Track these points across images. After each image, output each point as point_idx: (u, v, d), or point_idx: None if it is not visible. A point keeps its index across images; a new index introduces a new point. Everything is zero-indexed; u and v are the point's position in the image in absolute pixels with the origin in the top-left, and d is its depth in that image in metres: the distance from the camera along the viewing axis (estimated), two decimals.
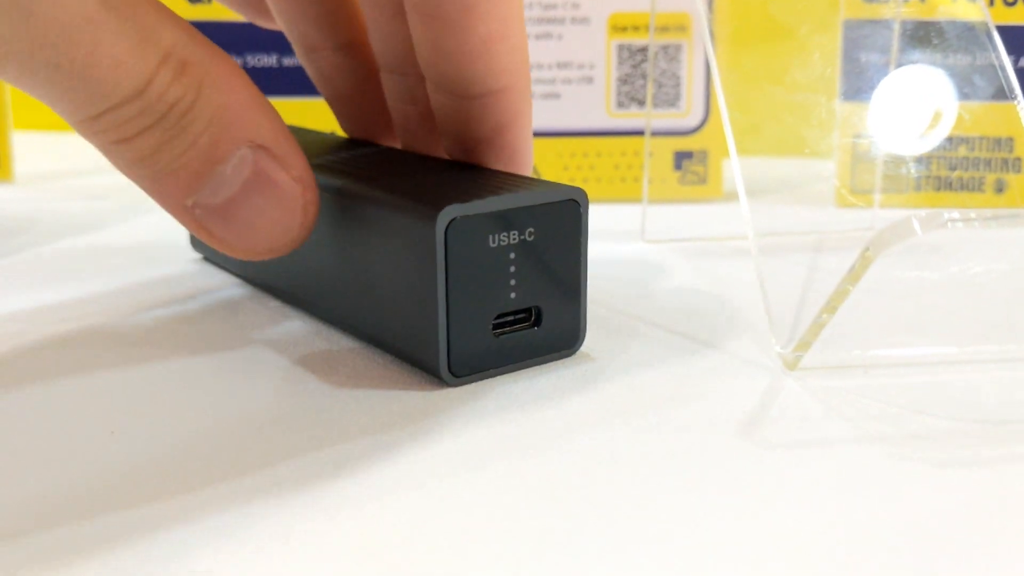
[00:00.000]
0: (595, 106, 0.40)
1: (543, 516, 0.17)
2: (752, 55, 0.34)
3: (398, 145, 0.28)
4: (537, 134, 0.40)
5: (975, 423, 0.20)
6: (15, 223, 0.37)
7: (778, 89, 0.33)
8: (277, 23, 0.29)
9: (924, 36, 0.32)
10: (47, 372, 0.22)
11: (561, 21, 0.39)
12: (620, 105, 0.40)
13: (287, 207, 0.21)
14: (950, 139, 0.34)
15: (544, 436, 0.19)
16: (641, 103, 0.40)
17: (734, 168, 0.27)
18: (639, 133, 0.40)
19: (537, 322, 0.22)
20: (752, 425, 0.20)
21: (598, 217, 0.32)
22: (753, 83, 0.33)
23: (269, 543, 0.16)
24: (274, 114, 0.21)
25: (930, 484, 0.18)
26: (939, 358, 0.23)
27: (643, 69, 0.39)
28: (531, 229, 0.21)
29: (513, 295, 0.22)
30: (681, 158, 0.40)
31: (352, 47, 0.28)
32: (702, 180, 0.40)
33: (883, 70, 0.33)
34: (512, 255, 0.21)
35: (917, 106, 0.33)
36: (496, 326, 0.22)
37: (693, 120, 0.40)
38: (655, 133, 0.39)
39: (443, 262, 0.20)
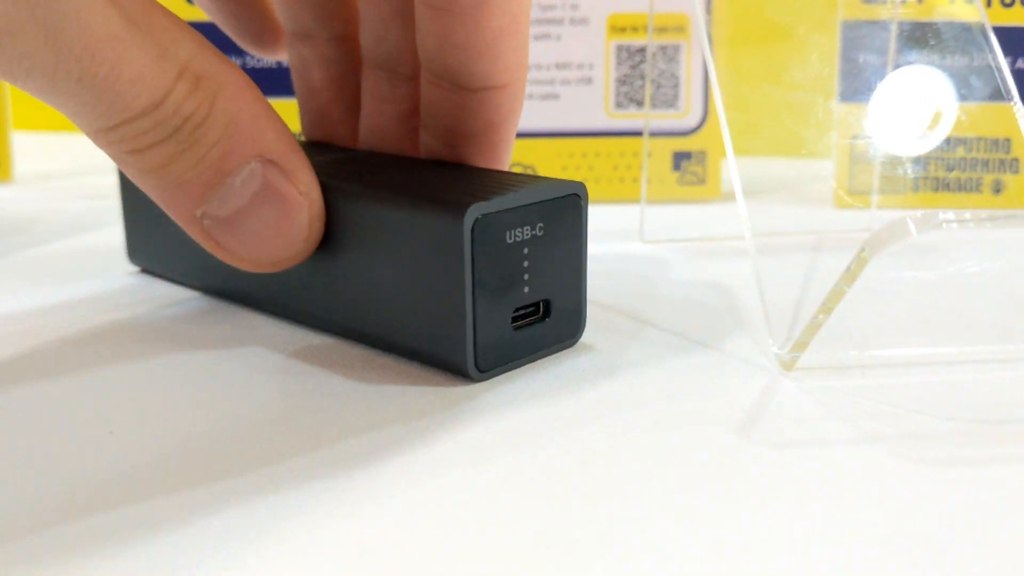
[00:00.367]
0: (594, 106, 0.40)
1: (539, 513, 0.17)
2: (750, 55, 0.34)
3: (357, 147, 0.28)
4: (536, 134, 0.40)
5: (972, 423, 0.20)
6: (15, 223, 0.37)
7: (776, 89, 0.33)
8: (276, 13, 0.29)
9: (921, 37, 0.32)
10: (47, 372, 0.23)
11: (560, 22, 0.39)
12: (619, 105, 0.40)
13: (294, 221, 0.22)
14: (948, 140, 0.34)
15: (542, 434, 0.19)
16: (640, 103, 0.40)
17: (731, 168, 0.27)
18: (638, 133, 0.40)
19: (547, 314, 0.23)
20: (749, 425, 0.20)
21: (597, 217, 0.32)
22: (751, 83, 0.33)
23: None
24: (284, 128, 0.22)
25: (927, 484, 0.18)
26: (935, 358, 0.23)
27: (642, 70, 0.39)
28: (541, 224, 0.22)
29: (526, 289, 0.22)
30: (680, 158, 0.40)
31: (344, 40, 0.28)
32: (701, 180, 0.40)
33: (881, 71, 0.33)
34: (525, 250, 0.22)
35: (915, 107, 0.33)
36: (512, 319, 0.22)
37: (692, 120, 0.40)
38: (654, 133, 0.40)
39: (470, 260, 0.21)
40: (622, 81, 0.40)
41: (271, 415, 0.20)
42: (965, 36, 0.31)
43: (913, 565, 0.15)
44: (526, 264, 0.22)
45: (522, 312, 0.22)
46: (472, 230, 0.21)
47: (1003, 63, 0.29)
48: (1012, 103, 0.28)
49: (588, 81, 0.40)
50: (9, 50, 0.18)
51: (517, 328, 0.22)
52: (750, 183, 0.27)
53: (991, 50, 0.29)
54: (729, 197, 0.40)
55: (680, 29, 0.39)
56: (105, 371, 0.23)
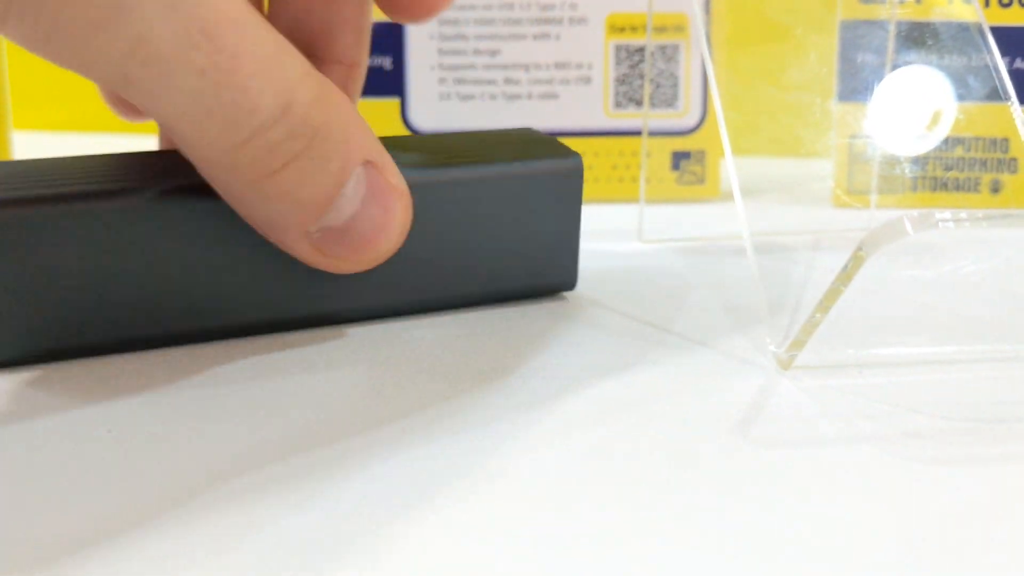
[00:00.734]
0: (593, 106, 0.40)
1: (535, 512, 0.17)
2: (749, 55, 0.34)
3: None
4: None
5: (968, 422, 0.20)
6: None
7: (774, 89, 0.33)
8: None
9: (919, 37, 0.32)
10: (46, 371, 0.23)
11: (559, 21, 0.39)
12: (618, 105, 0.40)
13: (397, 216, 0.21)
14: (946, 140, 0.34)
15: (539, 433, 0.20)
16: (639, 103, 0.40)
17: (729, 168, 0.27)
18: (637, 133, 0.40)
19: None
20: (746, 424, 0.20)
21: (595, 217, 0.33)
22: (750, 83, 0.33)
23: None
24: (367, 124, 0.21)
25: (923, 483, 0.18)
26: (932, 357, 0.23)
27: (641, 69, 0.39)
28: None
29: None
30: (679, 158, 0.40)
31: None
32: (700, 180, 0.40)
33: (879, 71, 0.33)
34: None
35: (913, 107, 0.33)
36: None
37: (691, 120, 0.40)
38: (653, 133, 0.40)
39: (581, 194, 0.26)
40: (621, 81, 0.40)
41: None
42: (963, 36, 0.31)
43: (910, 564, 0.15)
44: None
45: None
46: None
47: (1001, 63, 0.29)
48: (1010, 103, 0.28)
49: (587, 81, 0.40)
50: (126, 30, 0.16)
51: None
52: (748, 183, 0.27)
53: (989, 50, 0.29)
54: (728, 197, 0.40)
55: (679, 29, 0.39)
56: (107, 370, 0.23)
